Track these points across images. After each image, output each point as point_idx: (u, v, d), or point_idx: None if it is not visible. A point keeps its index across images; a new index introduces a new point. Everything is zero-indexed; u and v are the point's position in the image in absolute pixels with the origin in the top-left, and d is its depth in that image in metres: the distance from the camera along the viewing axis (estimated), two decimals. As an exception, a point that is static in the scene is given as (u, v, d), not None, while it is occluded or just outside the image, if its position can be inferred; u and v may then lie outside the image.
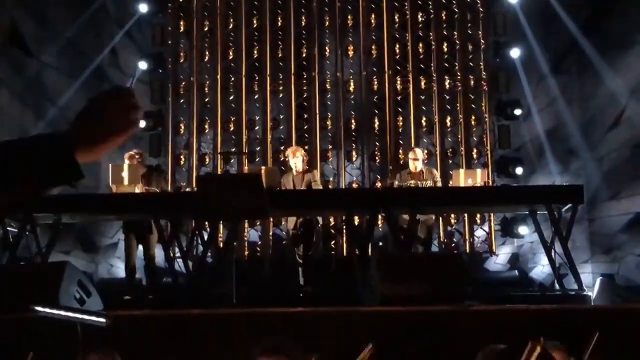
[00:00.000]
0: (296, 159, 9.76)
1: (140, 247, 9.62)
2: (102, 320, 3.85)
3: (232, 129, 13.10)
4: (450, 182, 10.00)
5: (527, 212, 9.81)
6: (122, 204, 9.16)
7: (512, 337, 4.37)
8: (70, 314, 3.95)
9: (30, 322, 5.49)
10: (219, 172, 12.75)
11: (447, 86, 12.83)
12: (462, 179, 9.42)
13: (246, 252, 12.35)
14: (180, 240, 10.13)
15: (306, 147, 11.98)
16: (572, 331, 5.56)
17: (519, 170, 12.06)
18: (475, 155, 12.54)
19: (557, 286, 9.32)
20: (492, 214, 11.97)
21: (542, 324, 6.34)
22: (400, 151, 12.53)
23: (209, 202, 7.23)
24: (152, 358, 5.07)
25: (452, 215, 12.20)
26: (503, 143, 12.42)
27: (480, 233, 12.32)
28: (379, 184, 12.52)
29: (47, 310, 4.05)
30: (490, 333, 5.53)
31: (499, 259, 12.26)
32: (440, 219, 11.89)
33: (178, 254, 10.62)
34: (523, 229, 11.94)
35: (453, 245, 12.19)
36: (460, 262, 8.01)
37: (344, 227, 11.63)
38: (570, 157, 12.27)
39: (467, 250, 12.08)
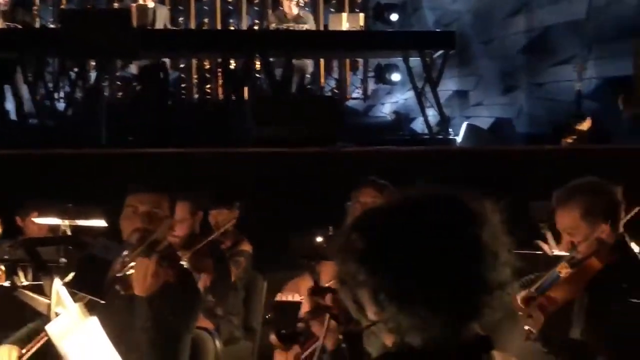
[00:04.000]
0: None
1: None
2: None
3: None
4: (330, 27, 9.93)
5: (401, 58, 9.92)
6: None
7: (383, 177, 4.53)
8: None
9: None
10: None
11: None
12: (343, 23, 9.36)
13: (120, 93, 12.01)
14: (46, 80, 9.73)
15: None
16: (437, 171, 5.79)
17: (394, 17, 12.06)
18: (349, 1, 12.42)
19: (420, 129, 9.62)
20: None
21: (409, 164, 6.54)
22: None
23: (74, 39, 6.92)
24: (19, 197, 4.96)
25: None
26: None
27: (355, 79, 12.41)
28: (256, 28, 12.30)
29: None
30: (361, 174, 5.65)
31: (385, 109, 12.42)
32: (322, 65, 11.87)
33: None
34: (395, 76, 12.08)
35: (330, 90, 12.26)
36: (333, 105, 8.10)
37: (220, 70, 11.45)
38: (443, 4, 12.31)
39: (342, 96, 12.18)
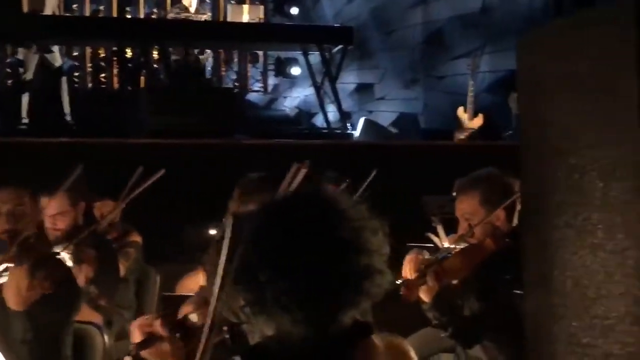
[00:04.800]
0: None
1: None
2: None
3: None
4: (229, 18, 9.83)
5: (301, 52, 9.92)
6: None
7: (280, 169, 4.50)
8: None
9: None
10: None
11: None
12: (243, 14, 9.28)
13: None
14: None
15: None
16: (333, 165, 5.81)
17: (294, 10, 12.05)
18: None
19: (321, 123, 9.65)
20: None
21: (306, 157, 6.55)
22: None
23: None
24: None
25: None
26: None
27: (255, 72, 12.34)
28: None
29: None
30: (258, 165, 5.60)
31: (287, 102, 12.39)
32: (222, 57, 11.74)
33: None
34: (295, 70, 12.06)
35: (230, 83, 12.15)
36: (232, 97, 8.03)
37: (115, 59, 11.17)
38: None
39: (243, 88, 12.09)
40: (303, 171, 3.19)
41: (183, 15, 9.15)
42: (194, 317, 2.18)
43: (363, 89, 11.61)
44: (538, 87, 1.91)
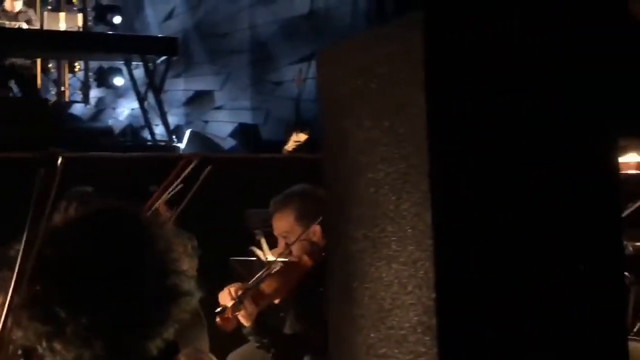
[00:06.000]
0: None
1: None
2: None
3: None
4: (45, 26, 9.46)
5: (123, 62, 9.71)
6: None
7: (100, 182, 4.36)
8: None
9: None
10: None
11: None
12: (60, 22, 8.95)
13: None
14: None
15: None
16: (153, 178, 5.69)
17: (116, 19, 11.78)
18: (75, 1, 11.96)
19: (148, 136, 9.48)
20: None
21: (130, 170, 6.38)
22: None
23: None
24: None
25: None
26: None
27: (75, 82, 11.95)
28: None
29: None
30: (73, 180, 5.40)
31: (116, 115, 12.05)
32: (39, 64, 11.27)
33: None
34: (119, 80, 11.79)
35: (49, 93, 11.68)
36: (46, 107, 7.72)
37: None
38: (168, 7, 12.23)
39: (60, 99, 11.67)
40: (192, 164, 3.10)
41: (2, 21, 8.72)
42: None
43: (200, 98, 11.39)
44: (338, 102, 1.94)
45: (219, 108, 11.27)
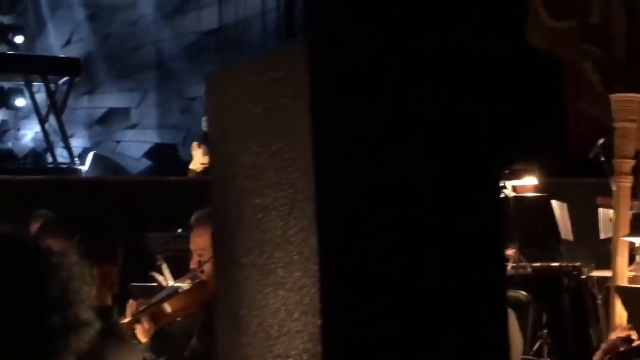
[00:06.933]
0: None
1: None
2: None
3: None
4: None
5: (24, 83, 9.46)
6: None
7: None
8: None
9: None
10: None
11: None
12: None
13: None
14: None
15: None
16: (54, 202, 5.55)
17: (18, 39, 11.50)
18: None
19: (49, 159, 9.24)
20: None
21: (32, 194, 6.23)
22: None
23: None
24: None
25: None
26: (3, 7, 11.70)
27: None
28: None
29: None
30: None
31: (20, 136, 11.70)
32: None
33: None
34: (20, 101, 11.50)
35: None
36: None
37: None
38: (70, 26, 12.00)
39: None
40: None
41: None
42: None
43: (113, 116, 11.06)
44: (226, 126, 1.92)
45: (132, 127, 10.99)
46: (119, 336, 2.42)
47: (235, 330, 1.85)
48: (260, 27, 9.77)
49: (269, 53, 1.74)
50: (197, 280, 3.46)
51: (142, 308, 3.33)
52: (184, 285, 3.54)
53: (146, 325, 3.25)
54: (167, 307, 3.35)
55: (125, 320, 3.27)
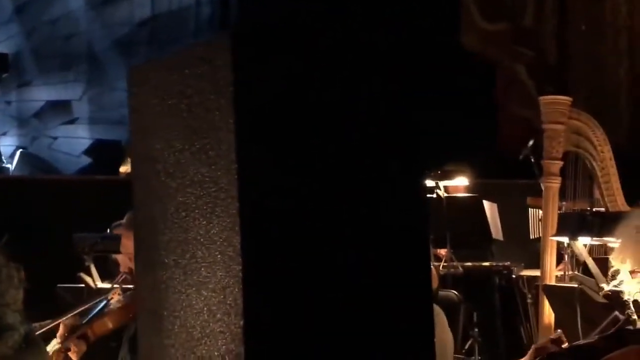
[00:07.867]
0: None
1: None
2: None
3: None
4: None
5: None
6: None
7: None
8: None
9: None
10: None
11: None
12: None
13: None
14: None
15: None
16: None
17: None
18: None
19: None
20: None
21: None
22: None
23: None
24: None
25: None
26: None
27: None
28: None
29: None
30: None
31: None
32: None
33: None
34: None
35: None
36: None
37: None
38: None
39: None
40: None
41: None
42: None
43: (53, 110, 10.59)
44: (147, 122, 1.87)
45: (72, 122, 10.51)
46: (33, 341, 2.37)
47: (157, 331, 1.81)
48: (194, 18, 9.61)
49: (193, 46, 1.70)
50: (128, 288, 3.41)
51: (70, 329, 3.30)
52: (114, 295, 3.47)
53: (78, 346, 3.24)
54: (100, 324, 3.32)
55: (56, 348, 3.25)
